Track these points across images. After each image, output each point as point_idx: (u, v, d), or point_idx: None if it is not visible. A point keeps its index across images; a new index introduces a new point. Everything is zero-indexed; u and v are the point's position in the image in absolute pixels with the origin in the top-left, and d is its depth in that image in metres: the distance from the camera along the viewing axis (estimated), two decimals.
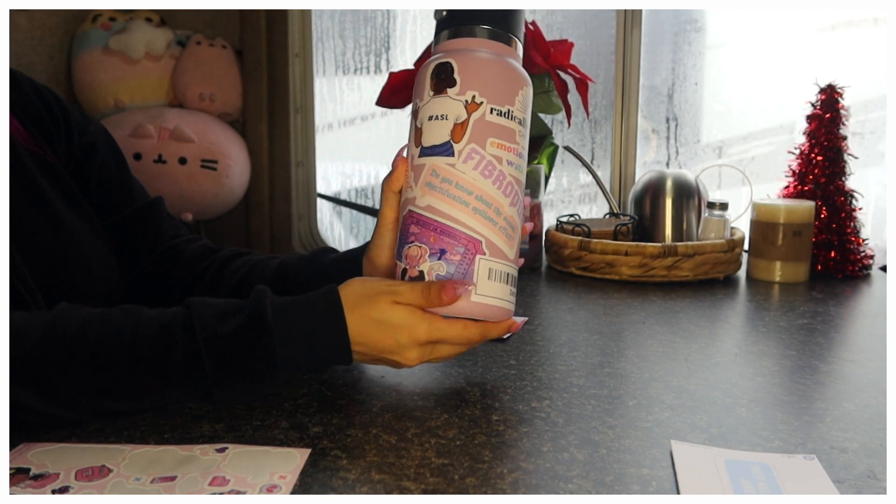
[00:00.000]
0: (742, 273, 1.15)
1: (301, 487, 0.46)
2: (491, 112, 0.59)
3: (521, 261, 0.63)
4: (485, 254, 0.59)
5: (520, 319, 0.62)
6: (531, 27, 1.16)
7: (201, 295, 0.73)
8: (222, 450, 0.51)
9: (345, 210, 2.31)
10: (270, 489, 0.46)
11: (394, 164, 0.62)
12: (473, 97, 0.60)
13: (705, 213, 1.17)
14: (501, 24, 0.62)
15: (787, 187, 1.18)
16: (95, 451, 0.51)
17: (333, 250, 0.74)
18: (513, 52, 0.62)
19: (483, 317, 0.59)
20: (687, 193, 1.18)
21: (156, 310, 0.56)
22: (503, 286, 0.59)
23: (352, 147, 2.05)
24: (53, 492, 0.45)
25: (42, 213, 0.65)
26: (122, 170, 0.77)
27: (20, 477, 0.47)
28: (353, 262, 0.69)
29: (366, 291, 0.57)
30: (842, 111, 1.14)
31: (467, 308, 0.58)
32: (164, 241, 0.77)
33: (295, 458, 0.50)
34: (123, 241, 0.75)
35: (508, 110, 0.60)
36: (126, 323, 0.54)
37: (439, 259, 0.58)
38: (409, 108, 1.27)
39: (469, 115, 0.60)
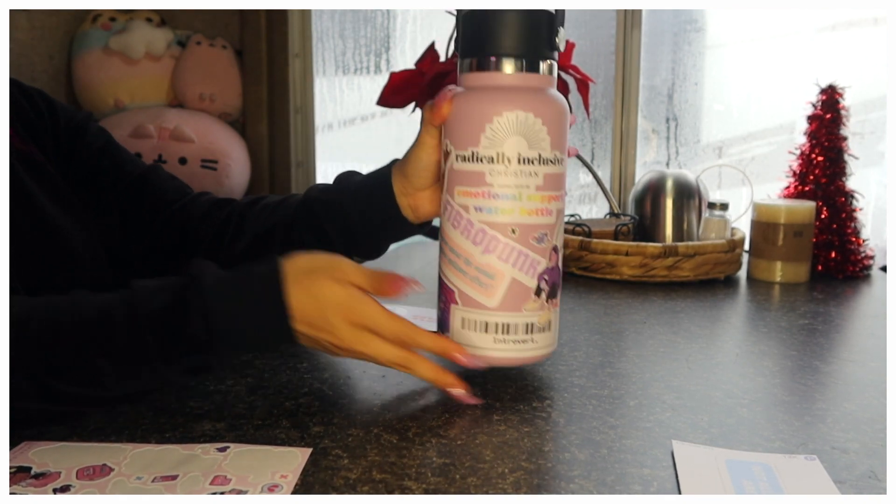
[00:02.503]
0: (743, 273, 1.15)
1: (302, 487, 0.46)
2: (457, 159, 0.58)
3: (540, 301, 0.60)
4: (457, 303, 0.60)
5: (458, 392, 0.58)
6: None
7: (227, 252, 0.72)
8: (223, 449, 0.51)
9: None
10: (272, 489, 0.46)
11: (439, 99, 0.60)
12: (447, 146, 0.60)
13: (706, 214, 1.17)
14: (476, 47, 0.59)
15: (787, 187, 1.18)
16: (97, 449, 0.51)
17: (358, 173, 0.73)
18: (489, 77, 0.58)
19: (470, 366, 0.59)
20: (687, 193, 1.18)
21: (100, 293, 0.56)
22: (482, 335, 0.59)
23: (352, 147, 2.05)
24: (55, 490, 0.45)
25: (23, 207, 0.65)
26: (111, 146, 0.75)
27: (21, 476, 0.47)
28: (383, 179, 0.68)
29: (308, 267, 0.56)
30: (842, 111, 1.14)
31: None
32: (167, 207, 0.75)
33: (296, 458, 0.50)
34: (124, 217, 0.73)
35: (472, 152, 0.57)
36: (71, 304, 0.53)
37: (438, 306, 0.62)
38: (410, 107, 1.27)
39: (445, 165, 0.60)
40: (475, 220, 0.58)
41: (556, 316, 0.62)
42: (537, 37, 0.58)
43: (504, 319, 0.58)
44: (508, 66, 0.58)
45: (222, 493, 0.45)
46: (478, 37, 0.59)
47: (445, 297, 0.61)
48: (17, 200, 0.65)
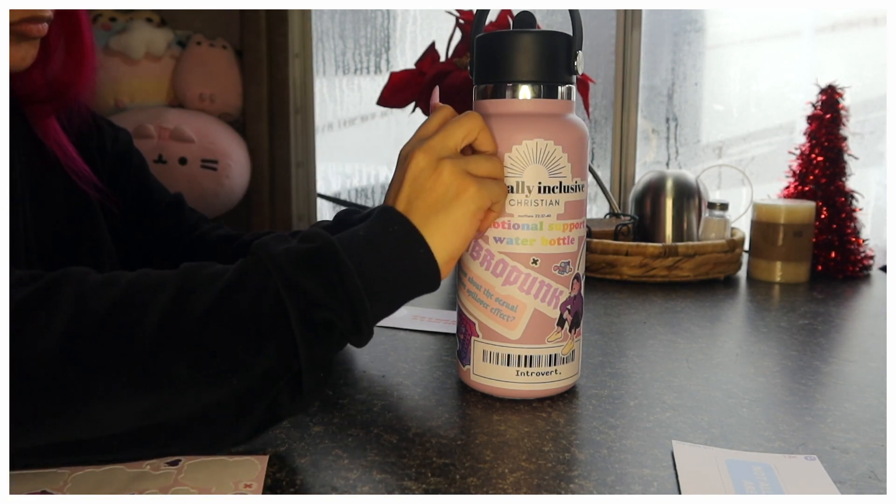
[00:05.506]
0: (742, 273, 1.15)
1: (303, 487, 0.46)
2: None
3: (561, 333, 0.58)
4: (478, 336, 0.59)
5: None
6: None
7: None
8: (174, 463, 0.48)
9: None
10: None
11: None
12: None
13: (706, 214, 1.17)
14: (492, 73, 0.57)
15: (787, 188, 1.18)
16: (27, 477, 0.45)
17: (357, 211, 0.70)
18: (507, 104, 0.57)
19: (487, 392, 0.60)
20: (687, 194, 1.18)
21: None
22: (504, 368, 0.58)
23: (352, 147, 2.05)
24: None
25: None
26: (145, 173, 0.80)
27: None
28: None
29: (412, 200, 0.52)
30: (842, 112, 1.14)
31: (469, 384, 0.61)
32: (186, 236, 0.79)
33: (255, 467, 0.48)
34: (147, 240, 0.77)
35: None
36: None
37: (458, 337, 0.62)
38: (410, 107, 1.26)
39: None
40: (495, 250, 0.56)
41: (579, 345, 0.61)
42: (556, 61, 0.56)
43: (527, 352, 0.57)
44: (527, 93, 0.56)
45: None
46: (494, 62, 0.57)
47: (466, 328, 0.60)
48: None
